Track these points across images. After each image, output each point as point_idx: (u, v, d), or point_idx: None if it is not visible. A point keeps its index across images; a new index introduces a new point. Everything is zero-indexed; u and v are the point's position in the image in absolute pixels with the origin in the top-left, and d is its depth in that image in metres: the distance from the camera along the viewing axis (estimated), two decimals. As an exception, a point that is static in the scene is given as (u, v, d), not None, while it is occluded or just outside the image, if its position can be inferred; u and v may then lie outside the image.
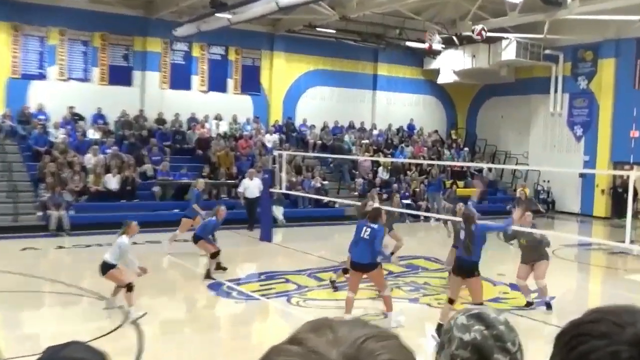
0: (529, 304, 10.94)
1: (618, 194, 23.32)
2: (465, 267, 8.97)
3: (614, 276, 15.49)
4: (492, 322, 1.71)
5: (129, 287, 9.72)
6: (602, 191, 24.69)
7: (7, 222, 17.57)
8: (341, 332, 0.92)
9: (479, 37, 22.48)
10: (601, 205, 24.74)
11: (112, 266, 9.78)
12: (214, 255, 12.81)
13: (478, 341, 1.67)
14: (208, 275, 12.54)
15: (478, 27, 22.11)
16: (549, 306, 10.70)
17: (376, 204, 11.82)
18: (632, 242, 9.89)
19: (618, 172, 23.88)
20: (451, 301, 9.10)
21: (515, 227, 10.37)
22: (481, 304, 8.74)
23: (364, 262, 9.47)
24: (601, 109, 24.85)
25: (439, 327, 8.84)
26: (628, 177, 10.95)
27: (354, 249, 9.72)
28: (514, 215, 10.38)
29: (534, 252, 10.66)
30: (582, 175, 24.88)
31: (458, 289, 9.21)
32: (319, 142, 25.30)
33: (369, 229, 9.46)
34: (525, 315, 10.39)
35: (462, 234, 9.13)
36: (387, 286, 10.11)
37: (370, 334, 0.92)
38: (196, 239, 13.04)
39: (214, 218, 13.17)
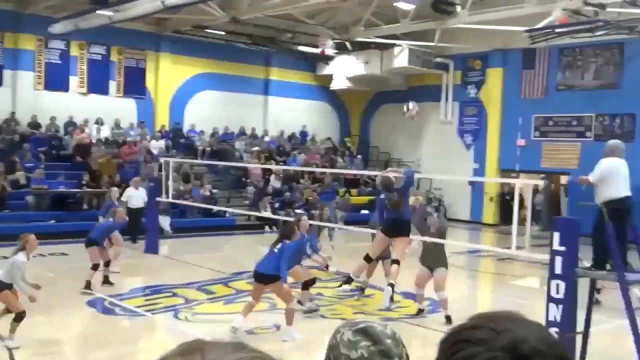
0: (419, 311, 10.77)
1: (506, 202, 23.74)
2: (399, 225, 9.22)
3: (502, 282, 15.68)
4: (379, 337, 1.68)
5: (19, 317, 8.40)
6: (491, 198, 25.10)
7: None
8: (212, 356, 0.92)
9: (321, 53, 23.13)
10: (490, 212, 25.15)
11: (8, 286, 8.42)
12: (96, 267, 11.83)
13: (365, 358, 1.65)
14: (88, 287, 11.67)
15: (325, 44, 22.53)
16: (449, 320, 10.24)
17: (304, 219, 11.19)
18: (518, 248, 9.91)
19: (505, 180, 24.32)
20: (368, 259, 9.54)
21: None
22: (398, 262, 9.21)
23: (265, 272, 9.23)
24: (489, 118, 25.32)
25: (349, 280, 9.62)
26: (515, 185, 11.20)
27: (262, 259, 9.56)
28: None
29: (434, 256, 10.38)
30: (471, 183, 25.21)
31: (381, 248, 9.73)
32: (208, 148, 24.24)
33: (279, 244, 9.40)
34: (418, 324, 10.29)
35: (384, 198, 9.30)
36: (293, 300, 9.67)
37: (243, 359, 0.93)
38: (89, 242, 11.95)
39: (110, 220, 12.46)
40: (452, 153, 26.50)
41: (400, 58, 25.07)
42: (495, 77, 25.04)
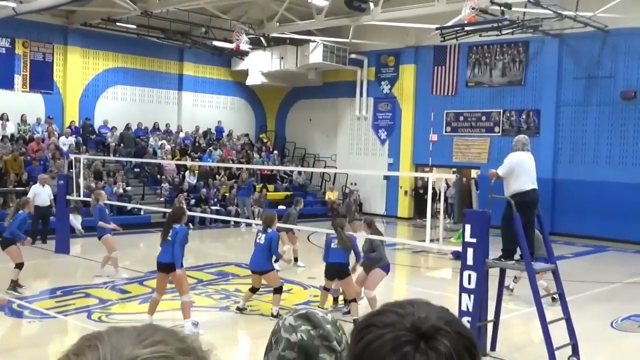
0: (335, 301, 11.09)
1: (419, 195, 24.32)
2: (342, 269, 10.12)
3: (417, 274, 16.06)
4: (319, 322, 1.71)
5: None
6: (405, 192, 25.64)
7: None
8: (107, 352, 0.90)
9: (235, 48, 23.21)
10: (404, 206, 25.68)
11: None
12: (20, 265, 11.44)
13: (304, 341, 1.68)
14: (14, 287, 11.33)
15: (239, 39, 22.61)
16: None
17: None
18: (432, 240, 10.19)
19: (419, 175, 24.96)
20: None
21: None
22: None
23: (163, 261, 9.45)
24: (403, 114, 25.82)
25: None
26: (428, 179, 11.54)
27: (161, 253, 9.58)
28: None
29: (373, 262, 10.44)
30: (386, 177, 25.65)
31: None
32: (121, 145, 23.63)
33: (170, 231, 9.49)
34: (342, 319, 10.18)
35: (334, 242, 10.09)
36: (188, 292, 9.71)
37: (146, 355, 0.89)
38: (5, 243, 11.48)
39: (22, 211, 11.75)
40: (367, 148, 26.90)
41: (315, 54, 25.21)
42: (407, 73, 25.55)
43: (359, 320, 1.15)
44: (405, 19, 20.98)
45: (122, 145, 23.58)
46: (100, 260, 13.34)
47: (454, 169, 23.34)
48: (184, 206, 10.90)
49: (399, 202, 25.86)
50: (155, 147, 24.16)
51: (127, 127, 24.27)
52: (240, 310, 10.52)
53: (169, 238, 9.38)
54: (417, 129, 25.39)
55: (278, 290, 10.34)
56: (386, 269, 10.51)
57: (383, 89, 26.46)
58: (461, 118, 24.20)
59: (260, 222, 11.19)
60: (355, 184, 26.59)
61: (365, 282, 10.43)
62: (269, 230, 10.33)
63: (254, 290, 10.52)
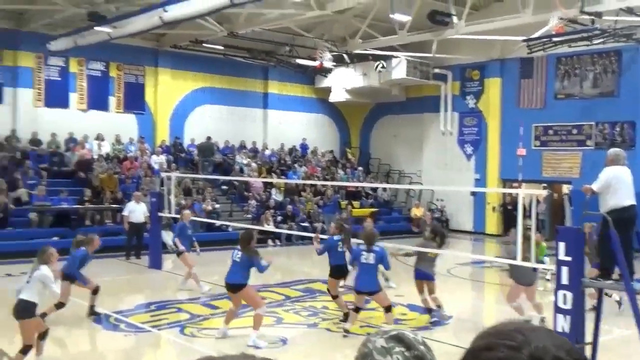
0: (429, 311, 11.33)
1: (508, 211, 23.71)
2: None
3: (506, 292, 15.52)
4: (413, 343, 1.67)
5: (25, 349, 8.00)
6: (493, 209, 25.08)
7: None
8: None
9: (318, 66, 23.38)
10: (493, 222, 25.12)
11: (31, 313, 7.97)
12: (95, 290, 11.17)
13: None
14: (93, 312, 11.16)
15: (322, 57, 22.73)
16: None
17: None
18: (524, 259, 9.83)
19: (507, 190, 24.32)
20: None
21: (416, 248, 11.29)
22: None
23: (232, 282, 9.78)
24: (489, 128, 25.35)
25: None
26: (517, 194, 11.32)
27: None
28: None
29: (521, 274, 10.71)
30: (473, 193, 25.19)
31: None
32: (201, 156, 24.23)
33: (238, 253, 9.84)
34: (425, 337, 9.96)
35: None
36: (262, 305, 9.98)
37: None
38: (66, 278, 10.77)
39: (83, 248, 11.01)
40: (453, 163, 26.51)
41: (399, 69, 25.12)
42: (493, 87, 25.09)
43: (464, 355, 1.10)
44: (490, 31, 20.66)
45: (202, 155, 24.14)
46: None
47: (544, 184, 22.63)
48: (254, 231, 10.93)
49: (486, 219, 25.32)
50: (242, 165, 24.64)
51: (208, 138, 24.79)
52: (347, 332, 10.06)
53: (236, 259, 9.72)
54: (504, 144, 24.85)
55: (389, 309, 10.12)
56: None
57: (468, 103, 26.08)
58: (550, 131, 23.51)
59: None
60: (442, 200, 26.24)
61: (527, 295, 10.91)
62: (376, 247, 9.97)
63: (358, 310, 10.22)
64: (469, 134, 26.15)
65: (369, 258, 9.89)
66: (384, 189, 26.52)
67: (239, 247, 9.90)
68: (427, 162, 27.50)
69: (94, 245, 11.03)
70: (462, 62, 25.36)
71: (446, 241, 11.78)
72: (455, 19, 20.34)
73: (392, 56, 25.04)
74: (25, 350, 8.01)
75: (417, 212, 25.63)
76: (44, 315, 10.24)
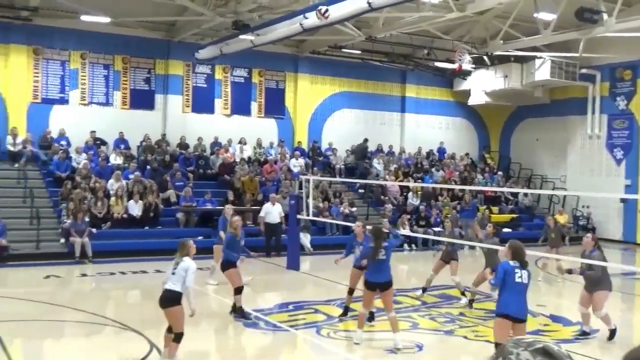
0: (584, 333, 10.51)
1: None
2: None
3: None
4: (560, 357, 1.60)
5: (178, 337, 8.38)
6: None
7: (29, 249, 17.16)
8: None
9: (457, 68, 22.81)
10: (645, 231, 23.52)
11: (179, 296, 8.38)
12: (238, 290, 11.26)
13: None
14: (236, 310, 11.24)
15: (462, 59, 22.00)
16: (612, 335, 10.23)
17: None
18: None
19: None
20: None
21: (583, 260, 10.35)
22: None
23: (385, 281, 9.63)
24: (642, 131, 23.79)
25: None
26: None
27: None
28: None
29: (593, 282, 10.17)
30: (623, 200, 23.72)
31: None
32: (343, 166, 24.51)
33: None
34: (569, 351, 9.48)
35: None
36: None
37: None
38: (225, 265, 11.42)
39: (228, 233, 11.68)
40: (600, 168, 25.13)
41: (542, 71, 24.17)
42: (647, 87, 23.53)
43: None
44: (644, 28, 19.38)
45: (355, 158, 24.55)
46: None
47: None
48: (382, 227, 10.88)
49: (638, 228, 23.73)
50: (379, 169, 24.68)
51: (365, 140, 25.11)
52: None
53: (382, 257, 9.59)
54: (659, 148, 23.25)
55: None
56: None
57: (618, 104, 24.60)
58: None
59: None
60: (588, 207, 24.92)
61: (593, 304, 10.16)
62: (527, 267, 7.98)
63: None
64: (618, 137, 24.66)
65: (522, 277, 7.90)
66: (525, 195, 25.56)
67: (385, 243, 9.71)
68: (572, 166, 26.22)
69: (235, 224, 11.60)
70: (612, 62, 24.00)
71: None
72: (605, 16, 19.25)
73: (535, 57, 24.13)
74: (177, 337, 8.36)
75: (560, 219, 24.50)
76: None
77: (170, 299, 8.33)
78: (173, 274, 8.43)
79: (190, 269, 8.44)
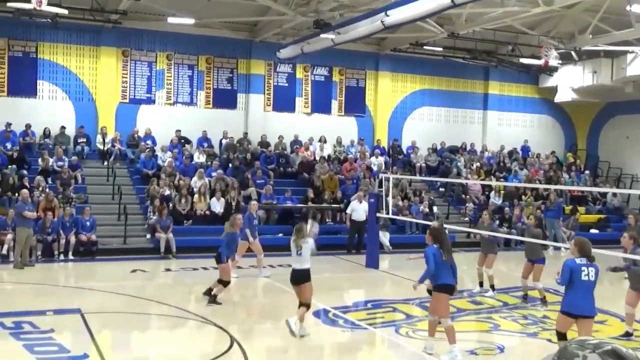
0: (627, 334, 10.18)
1: None
2: None
3: None
4: (631, 359, 1.52)
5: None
6: None
7: (117, 244, 17.84)
8: None
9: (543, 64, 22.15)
10: None
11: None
12: (225, 283, 11.73)
13: None
14: (209, 294, 11.71)
15: (548, 54, 21.22)
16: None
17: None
18: None
19: None
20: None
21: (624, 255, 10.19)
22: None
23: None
24: None
25: None
26: None
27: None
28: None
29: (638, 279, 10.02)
30: None
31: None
32: (424, 164, 24.24)
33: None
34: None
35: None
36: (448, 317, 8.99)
37: None
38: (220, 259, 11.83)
39: (230, 231, 12.23)
40: (696, 167, 23.90)
41: (634, 66, 23.19)
42: None
43: None
44: None
45: (427, 163, 24.28)
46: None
47: None
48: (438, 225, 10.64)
49: None
50: (460, 167, 24.29)
51: (433, 148, 24.86)
52: None
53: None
54: None
55: None
56: None
57: None
58: None
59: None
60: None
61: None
62: (594, 262, 7.75)
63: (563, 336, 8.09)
64: None
65: (589, 274, 7.69)
66: (614, 195, 24.58)
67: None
68: (666, 166, 25.03)
69: (236, 223, 12.22)
70: None
71: None
72: (702, 7, 18.28)
73: (627, 51, 23.15)
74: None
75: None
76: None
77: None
78: (299, 254, 9.61)
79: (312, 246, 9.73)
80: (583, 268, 7.57)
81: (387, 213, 17.08)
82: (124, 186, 19.73)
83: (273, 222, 19.84)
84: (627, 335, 10.12)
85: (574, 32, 22.87)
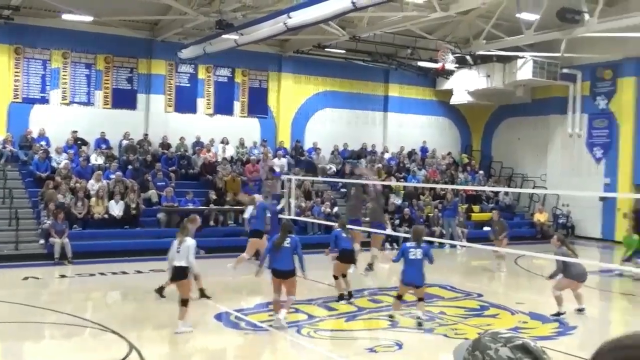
0: (558, 314, 11.64)
1: (640, 218, 22.33)
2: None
3: (638, 303, 14.64)
4: (540, 355, 1.54)
5: (185, 302, 10.00)
6: (624, 215, 23.67)
7: (8, 250, 17.06)
8: None
9: (440, 68, 23.04)
10: (623, 229, 23.69)
11: (186, 270, 10.00)
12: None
13: None
14: (160, 290, 12.32)
15: (445, 58, 22.11)
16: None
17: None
18: None
19: (642, 196, 22.94)
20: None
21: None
22: None
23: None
24: (622, 130, 24.04)
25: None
26: None
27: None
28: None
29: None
30: (602, 198, 23.93)
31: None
32: (327, 166, 24.51)
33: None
34: (550, 348, 9.64)
35: None
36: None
37: None
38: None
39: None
40: (580, 167, 25.36)
41: (524, 70, 24.35)
42: (627, 87, 23.77)
43: (605, 346, 1.20)
44: (625, 28, 19.51)
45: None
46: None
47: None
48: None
49: (616, 226, 23.97)
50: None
51: (334, 150, 25.03)
52: (391, 317, 11.28)
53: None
54: (638, 147, 23.45)
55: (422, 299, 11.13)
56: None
57: (599, 104, 24.83)
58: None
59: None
60: (567, 205, 25.14)
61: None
62: (423, 244, 10.87)
63: (400, 297, 11.24)
64: (598, 136, 24.90)
65: (416, 254, 10.68)
66: (506, 193, 25.75)
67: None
68: (552, 165, 26.44)
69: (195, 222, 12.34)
70: (593, 62, 24.21)
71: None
72: (586, 16, 19.42)
73: (518, 57, 24.29)
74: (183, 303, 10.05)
75: (540, 217, 24.74)
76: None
77: (180, 274, 10.02)
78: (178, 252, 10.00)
79: (190, 247, 10.05)
80: (411, 250, 10.64)
81: (290, 214, 17.17)
82: (16, 189, 18.87)
83: (175, 225, 19.44)
84: (558, 314, 11.57)
85: (469, 38, 23.80)
